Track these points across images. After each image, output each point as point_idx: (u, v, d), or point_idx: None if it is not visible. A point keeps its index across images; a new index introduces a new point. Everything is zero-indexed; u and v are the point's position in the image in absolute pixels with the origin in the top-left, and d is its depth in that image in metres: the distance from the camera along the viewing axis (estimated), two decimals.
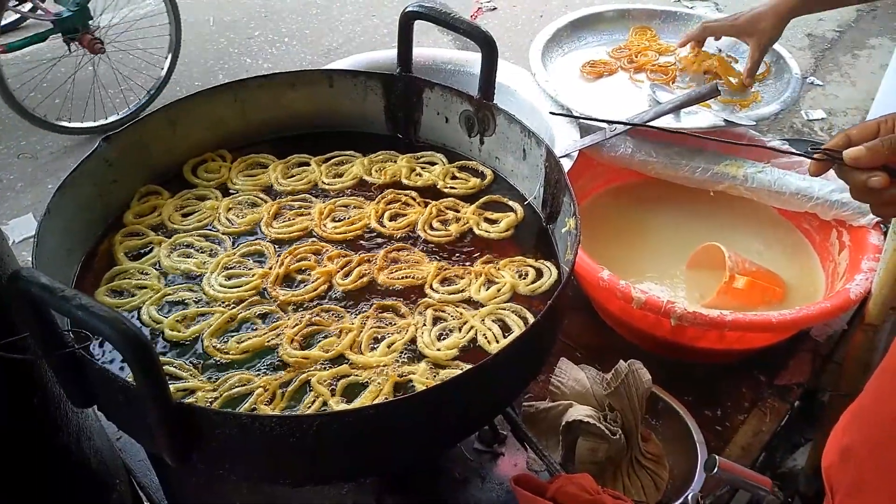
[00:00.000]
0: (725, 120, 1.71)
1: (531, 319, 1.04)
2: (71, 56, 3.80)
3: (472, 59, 1.94)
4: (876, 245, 1.56)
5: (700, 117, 1.74)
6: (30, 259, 0.96)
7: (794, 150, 1.00)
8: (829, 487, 0.88)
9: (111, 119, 3.81)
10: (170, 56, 4.02)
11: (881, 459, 0.80)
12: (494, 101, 1.26)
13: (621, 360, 1.31)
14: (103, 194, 1.18)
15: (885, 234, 1.52)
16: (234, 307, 1.05)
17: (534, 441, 1.23)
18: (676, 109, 1.69)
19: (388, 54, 1.91)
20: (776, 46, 2.01)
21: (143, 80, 4.00)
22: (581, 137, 1.69)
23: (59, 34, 3.70)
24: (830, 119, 3.70)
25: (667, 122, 1.69)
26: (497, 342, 1.01)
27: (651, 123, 1.64)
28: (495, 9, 4.93)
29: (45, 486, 1.05)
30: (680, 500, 1.25)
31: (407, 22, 1.26)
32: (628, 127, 1.65)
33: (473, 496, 1.25)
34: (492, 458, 1.31)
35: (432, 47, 2.08)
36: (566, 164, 1.54)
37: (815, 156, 0.95)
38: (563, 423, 1.28)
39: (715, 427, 1.53)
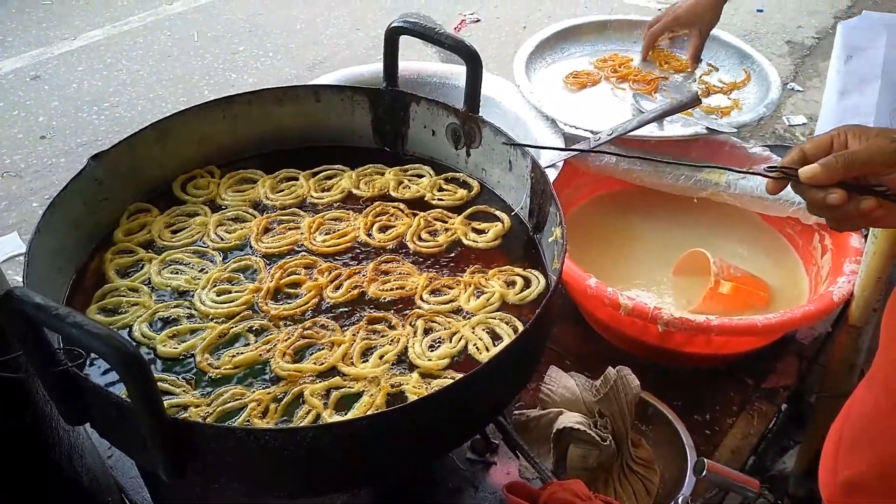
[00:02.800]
0: (707, 128, 1.74)
1: (521, 328, 1.06)
2: None
3: (456, 72, 1.96)
4: (857, 248, 1.59)
5: (683, 125, 1.77)
6: (16, 279, 0.96)
7: (752, 171, 0.99)
8: None
9: None
10: None
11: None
12: (480, 114, 1.28)
13: (610, 367, 1.32)
14: (93, 212, 1.18)
15: (866, 236, 1.55)
16: (225, 322, 1.06)
17: (525, 449, 1.24)
18: (659, 118, 1.71)
19: (373, 68, 1.93)
20: (755, 54, 2.05)
21: None
22: (566, 146, 1.71)
23: None
24: (811, 124, 3.74)
25: (650, 130, 1.71)
26: (487, 351, 1.02)
27: (634, 133, 1.67)
28: (479, 20, 4.96)
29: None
30: None
31: (392, 37, 1.27)
32: (612, 136, 1.67)
33: None
34: (484, 467, 1.32)
35: (417, 61, 2.10)
36: (551, 175, 1.56)
37: (772, 174, 0.96)
38: (554, 430, 1.30)
39: (704, 431, 1.54)
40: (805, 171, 0.90)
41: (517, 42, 2.11)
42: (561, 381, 1.39)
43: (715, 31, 2.16)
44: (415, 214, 1.26)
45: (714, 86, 1.97)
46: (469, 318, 1.08)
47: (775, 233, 1.87)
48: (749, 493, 1.22)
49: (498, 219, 1.26)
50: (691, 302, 1.64)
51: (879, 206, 0.87)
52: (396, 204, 1.29)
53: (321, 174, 1.36)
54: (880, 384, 0.94)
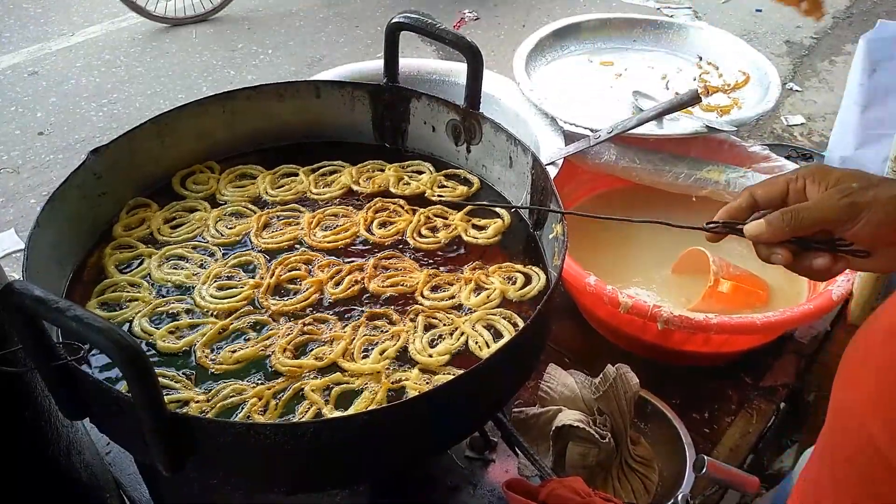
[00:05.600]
0: (707, 126, 1.74)
1: (521, 325, 1.06)
2: None
3: (456, 70, 1.96)
4: None
5: (682, 123, 1.77)
6: (13, 276, 0.95)
7: (693, 227, 0.93)
8: None
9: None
10: None
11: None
12: (480, 110, 1.28)
13: (609, 365, 1.32)
14: (92, 207, 1.18)
15: None
16: (225, 318, 1.06)
17: (525, 446, 1.24)
18: (659, 116, 1.71)
19: (373, 65, 1.93)
20: (755, 54, 2.05)
21: None
22: (566, 145, 1.71)
23: None
24: (809, 124, 3.75)
25: (649, 128, 1.71)
26: (488, 347, 1.02)
27: (634, 131, 1.67)
28: (478, 19, 4.96)
29: (35, 500, 1.04)
30: (670, 502, 1.26)
31: (393, 33, 1.27)
32: (612, 134, 1.67)
33: (465, 503, 1.26)
34: (483, 464, 1.32)
35: (416, 58, 2.10)
36: (551, 172, 1.56)
37: (715, 228, 0.89)
38: (553, 428, 1.29)
39: (703, 429, 1.54)
40: (750, 229, 0.84)
41: (516, 40, 2.11)
42: (560, 379, 1.39)
43: (715, 31, 2.17)
44: (415, 211, 1.26)
45: (714, 84, 1.97)
46: (469, 315, 1.07)
47: None
48: (749, 492, 1.22)
49: (497, 215, 1.26)
50: (690, 300, 1.64)
51: (836, 262, 0.81)
52: (396, 200, 1.28)
53: (321, 170, 1.36)
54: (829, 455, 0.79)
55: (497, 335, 1.04)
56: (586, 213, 1.24)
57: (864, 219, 0.77)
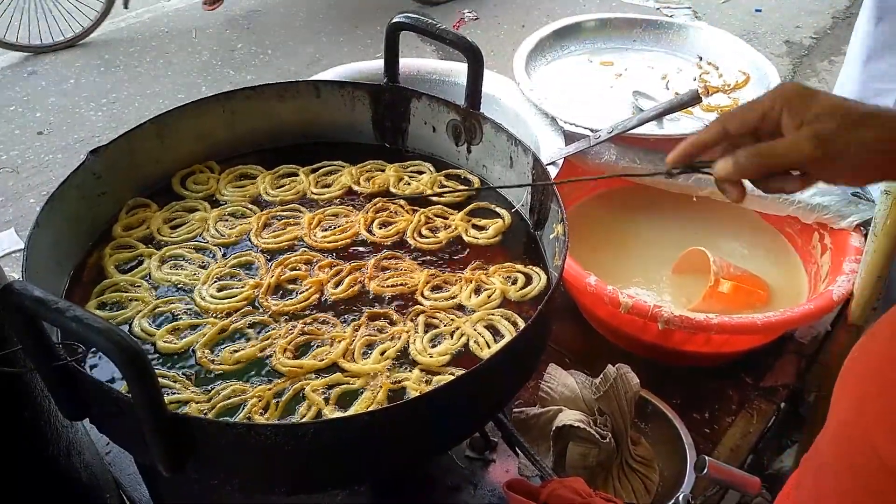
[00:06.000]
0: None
1: (522, 325, 1.05)
2: None
3: (456, 70, 1.95)
4: (857, 247, 1.59)
5: (683, 123, 1.77)
6: (13, 275, 0.95)
7: (655, 172, 0.90)
8: None
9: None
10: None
11: None
12: (481, 111, 1.28)
13: (609, 365, 1.32)
14: (92, 207, 1.17)
15: (866, 236, 1.55)
16: (225, 318, 1.05)
17: (525, 446, 1.23)
18: (659, 116, 1.71)
19: (373, 65, 1.92)
20: (755, 54, 2.04)
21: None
22: (566, 145, 1.71)
23: None
24: None
25: (649, 129, 1.71)
26: (489, 347, 1.01)
27: (634, 131, 1.67)
28: (477, 19, 4.97)
29: (35, 500, 1.04)
30: (671, 502, 1.26)
31: (393, 33, 1.27)
32: (612, 135, 1.67)
33: (466, 503, 1.25)
34: (483, 465, 1.32)
35: (416, 58, 2.09)
36: (552, 172, 1.55)
37: (680, 171, 0.87)
38: (554, 428, 1.29)
39: (703, 429, 1.54)
40: (719, 171, 0.82)
41: (516, 40, 2.11)
42: (560, 379, 1.39)
43: (715, 31, 2.16)
44: (415, 211, 1.26)
45: (714, 85, 1.97)
46: (470, 315, 1.07)
47: (775, 231, 1.87)
48: (749, 492, 1.22)
49: (498, 215, 1.26)
50: (691, 300, 1.64)
51: (803, 183, 0.81)
52: (397, 200, 1.28)
53: (321, 170, 1.36)
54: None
55: (498, 335, 1.04)
56: (560, 181, 1.22)
57: (839, 164, 0.76)
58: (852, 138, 0.74)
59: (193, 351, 1.00)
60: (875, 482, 0.66)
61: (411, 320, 1.06)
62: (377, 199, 1.28)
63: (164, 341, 1.01)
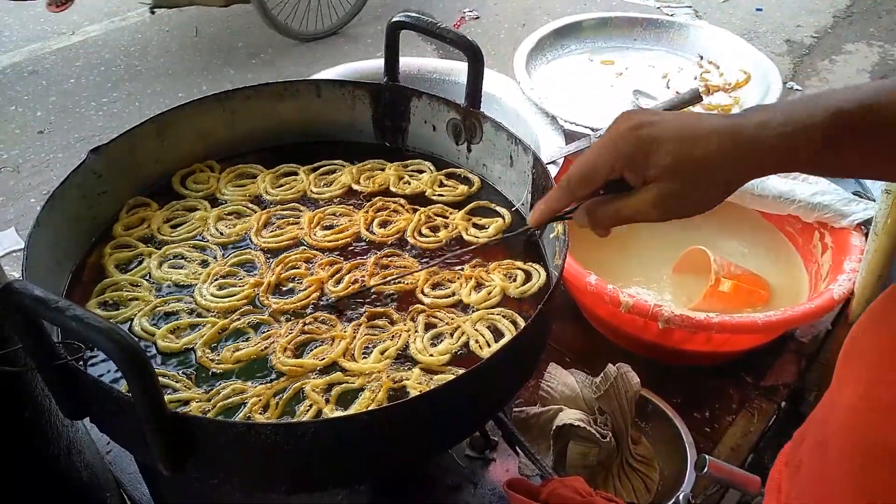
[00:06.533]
0: None
1: (521, 323, 1.05)
2: None
3: (456, 69, 1.95)
4: (858, 246, 1.59)
5: None
6: (13, 275, 0.95)
7: (518, 231, 1.03)
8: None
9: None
10: None
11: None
12: (481, 110, 1.28)
13: (610, 364, 1.32)
14: (92, 206, 1.17)
15: (867, 235, 1.55)
16: (225, 317, 1.05)
17: (526, 445, 1.23)
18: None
19: (373, 64, 1.93)
20: (756, 53, 2.04)
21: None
22: (566, 144, 1.71)
23: None
24: None
25: None
26: (489, 346, 1.01)
27: None
28: (478, 18, 4.96)
29: (36, 499, 1.04)
30: (671, 501, 1.26)
31: (393, 32, 1.27)
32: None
33: (466, 502, 1.26)
34: (483, 464, 1.32)
35: (417, 57, 2.10)
36: (552, 171, 1.55)
37: (537, 230, 0.95)
38: (554, 427, 1.29)
39: (704, 429, 1.54)
40: (577, 222, 0.88)
41: (516, 39, 2.11)
42: (561, 378, 1.39)
43: (716, 30, 2.16)
44: (415, 210, 1.26)
45: (715, 83, 1.97)
46: (470, 313, 1.07)
47: (775, 231, 1.87)
48: (750, 491, 1.22)
49: (499, 214, 1.26)
50: (691, 299, 1.64)
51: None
52: (397, 199, 1.28)
53: (321, 169, 1.36)
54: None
55: (498, 335, 1.04)
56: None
57: (687, 212, 0.77)
58: (695, 196, 0.74)
59: (194, 350, 1.00)
60: (886, 473, 0.66)
61: (412, 319, 1.06)
62: (377, 197, 1.28)
63: (165, 340, 1.01)
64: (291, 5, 4.49)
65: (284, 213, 1.26)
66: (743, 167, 0.72)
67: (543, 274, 1.13)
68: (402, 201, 1.28)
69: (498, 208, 1.27)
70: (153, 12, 4.38)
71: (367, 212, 1.25)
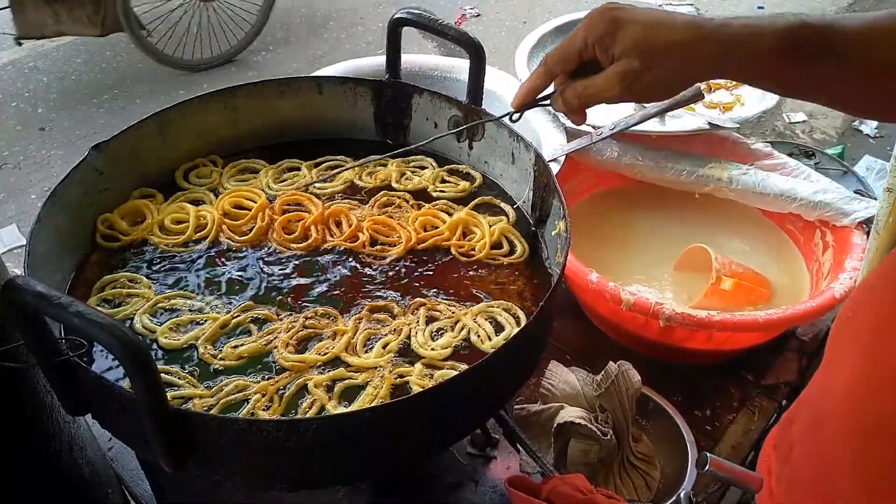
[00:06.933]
0: (709, 123, 1.73)
1: (522, 317, 1.06)
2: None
3: (458, 66, 1.95)
4: (859, 245, 1.59)
5: (685, 120, 1.76)
6: (15, 271, 0.95)
7: (495, 116, 1.05)
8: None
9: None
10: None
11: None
12: (482, 107, 1.28)
13: (611, 362, 1.32)
14: (94, 203, 1.17)
15: (868, 233, 1.54)
16: (227, 312, 1.05)
17: (527, 443, 1.23)
18: (661, 113, 1.71)
19: (375, 62, 1.92)
20: None
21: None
22: (568, 142, 1.70)
23: None
24: (811, 121, 3.75)
25: (652, 125, 1.71)
26: (490, 340, 1.02)
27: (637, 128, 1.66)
28: (479, 15, 4.96)
29: (37, 496, 1.04)
30: (672, 499, 1.26)
31: (395, 29, 1.27)
32: (614, 131, 1.67)
33: (467, 500, 1.26)
34: (485, 461, 1.32)
35: (418, 54, 2.09)
36: (553, 168, 1.55)
37: (518, 114, 0.98)
38: (555, 424, 1.29)
39: (704, 427, 1.54)
40: (553, 106, 0.91)
41: (517, 37, 2.11)
42: (562, 376, 1.39)
43: None
44: (420, 206, 1.26)
45: (716, 82, 1.96)
46: (470, 307, 1.08)
47: (777, 229, 1.87)
48: (752, 489, 1.22)
49: (503, 211, 1.26)
50: (692, 297, 1.64)
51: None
52: (401, 194, 1.29)
53: (323, 164, 1.35)
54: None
55: (499, 328, 1.05)
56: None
57: (648, 94, 0.83)
58: (656, 74, 0.78)
59: (195, 347, 1.00)
60: (888, 452, 0.66)
61: (412, 313, 1.06)
62: (381, 192, 1.29)
63: (166, 337, 1.01)
64: (177, 36, 4.23)
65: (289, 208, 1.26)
66: (702, 53, 0.76)
67: (526, 246, 1.18)
68: (407, 195, 1.28)
69: (502, 204, 1.27)
70: (20, 44, 4.11)
71: (371, 207, 1.26)
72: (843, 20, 0.73)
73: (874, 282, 0.78)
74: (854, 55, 0.72)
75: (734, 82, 1.97)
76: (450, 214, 1.25)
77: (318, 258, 1.16)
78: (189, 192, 1.27)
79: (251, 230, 1.19)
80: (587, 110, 0.91)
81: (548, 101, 0.91)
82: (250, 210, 1.22)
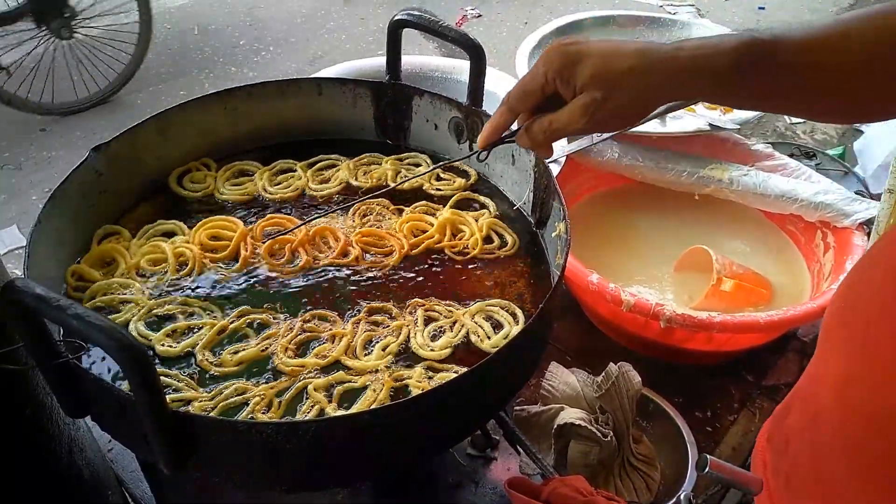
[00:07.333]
0: (710, 124, 1.73)
1: (520, 314, 1.06)
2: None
3: (459, 67, 1.95)
4: (860, 246, 1.59)
5: (685, 122, 1.76)
6: (15, 272, 0.95)
7: (464, 156, 0.99)
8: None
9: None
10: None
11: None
12: (483, 108, 1.27)
13: (611, 363, 1.32)
14: (94, 204, 1.17)
15: (869, 234, 1.54)
16: (224, 317, 1.05)
17: (527, 444, 1.23)
18: (662, 114, 1.70)
19: (375, 62, 1.92)
20: None
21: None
22: (568, 143, 1.70)
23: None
24: (811, 122, 3.74)
25: (652, 126, 1.71)
26: (489, 339, 1.02)
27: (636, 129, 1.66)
28: (480, 16, 4.96)
29: (38, 497, 1.04)
30: (672, 501, 1.26)
31: (395, 30, 1.27)
32: (614, 133, 1.66)
33: (467, 501, 1.26)
34: (485, 462, 1.32)
35: (419, 55, 2.09)
36: (554, 170, 1.55)
37: (487, 152, 0.97)
38: (555, 426, 1.29)
39: (705, 428, 1.54)
40: (520, 143, 0.91)
41: (518, 38, 2.10)
42: (562, 377, 1.39)
43: (718, 29, 2.16)
44: (400, 210, 1.26)
45: None
46: (468, 307, 1.08)
47: (777, 230, 1.87)
48: (752, 491, 1.22)
49: (487, 208, 1.26)
50: (693, 298, 1.64)
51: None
52: (381, 201, 1.27)
53: (318, 164, 1.35)
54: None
55: (497, 327, 1.05)
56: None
57: (611, 125, 0.83)
58: (615, 103, 0.79)
59: (193, 354, 0.99)
60: (881, 442, 0.66)
61: (410, 314, 1.06)
62: (363, 200, 1.25)
63: (163, 345, 0.99)
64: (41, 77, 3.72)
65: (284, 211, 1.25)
66: (652, 80, 0.78)
67: (516, 239, 1.18)
68: (386, 202, 1.27)
69: (481, 198, 1.28)
70: None
71: (352, 217, 1.24)
72: (789, 32, 0.75)
73: (864, 268, 0.79)
74: (798, 66, 0.74)
75: None
76: (432, 216, 1.24)
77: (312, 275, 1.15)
78: (158, 225, 1.20)
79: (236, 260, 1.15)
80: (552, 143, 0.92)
81: (513, 139, 0.92)
82: (229, 240, 1.17)
